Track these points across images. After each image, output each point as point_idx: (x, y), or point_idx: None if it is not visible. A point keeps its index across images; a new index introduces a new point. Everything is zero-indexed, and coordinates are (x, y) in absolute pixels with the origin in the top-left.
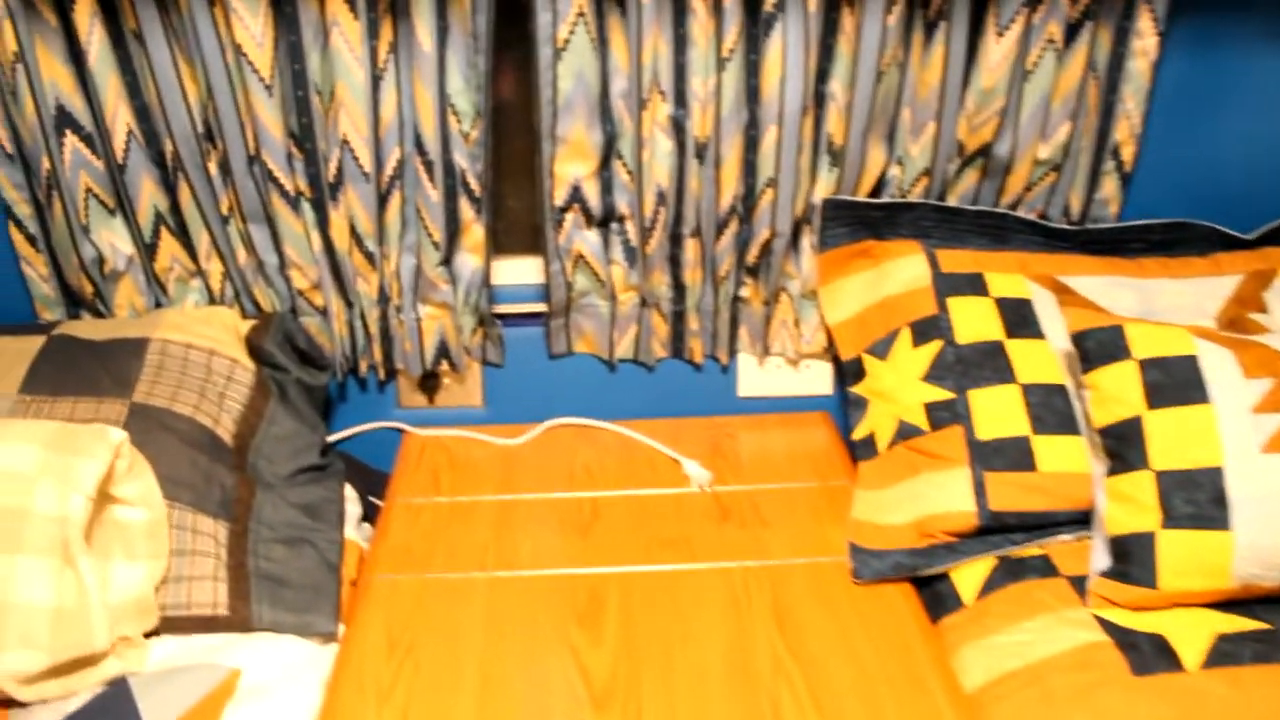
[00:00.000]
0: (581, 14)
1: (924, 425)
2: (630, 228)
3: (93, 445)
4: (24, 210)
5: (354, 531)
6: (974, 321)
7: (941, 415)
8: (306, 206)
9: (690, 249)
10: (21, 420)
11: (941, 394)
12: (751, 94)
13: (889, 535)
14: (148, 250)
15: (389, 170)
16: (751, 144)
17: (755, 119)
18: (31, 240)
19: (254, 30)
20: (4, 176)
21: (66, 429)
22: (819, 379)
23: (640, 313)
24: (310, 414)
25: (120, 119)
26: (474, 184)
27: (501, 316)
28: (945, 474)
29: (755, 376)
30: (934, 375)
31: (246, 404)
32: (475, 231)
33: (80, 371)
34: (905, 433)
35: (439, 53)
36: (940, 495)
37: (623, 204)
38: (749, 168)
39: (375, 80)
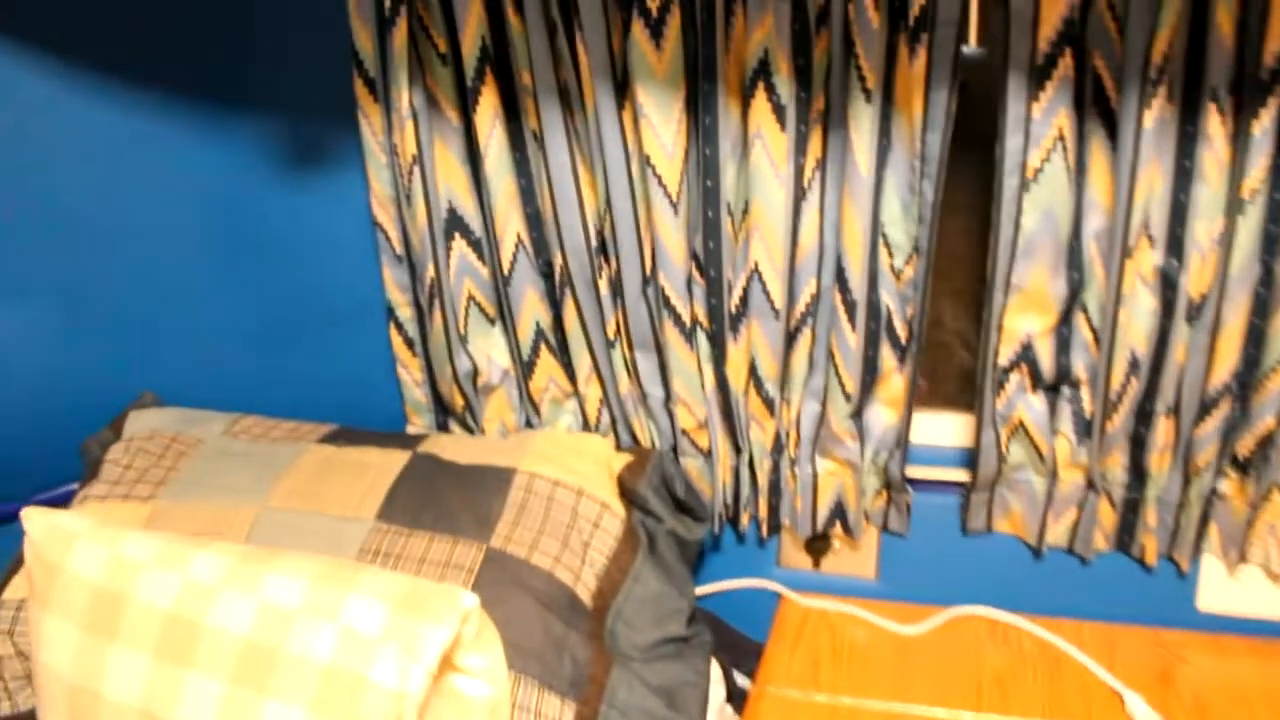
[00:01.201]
0: (1060, 138)
1: None
2: (1087, 396)
3: (442, 610)
4: (406, 313)
5: (715, 718)
6: None
7: None
8: (702, 338)
9: (1162, 430)
10: (374, 570)
11: None
12: (1270, 245)
13: None
14: (525, 367)
15: (801, 305)
16: (1262, 308)
17: (1272, 277)
18: (409, 344)
19: (665, 140)
20: (391, 278)
21: (417, 587)
22: None
23: (1084, 496)
24: (680, 573)
25: (511, 226)
26: (900, 329)
27: (911, 480)
28: None
29: (1222, 588)
30: None
31: (611, 557)
32: (895, 383)
33: (440, 502)
34: None
35: (876, 174)
36: None
37: (1080, 367)
38: (1256, 337)
39: (797, 202)
